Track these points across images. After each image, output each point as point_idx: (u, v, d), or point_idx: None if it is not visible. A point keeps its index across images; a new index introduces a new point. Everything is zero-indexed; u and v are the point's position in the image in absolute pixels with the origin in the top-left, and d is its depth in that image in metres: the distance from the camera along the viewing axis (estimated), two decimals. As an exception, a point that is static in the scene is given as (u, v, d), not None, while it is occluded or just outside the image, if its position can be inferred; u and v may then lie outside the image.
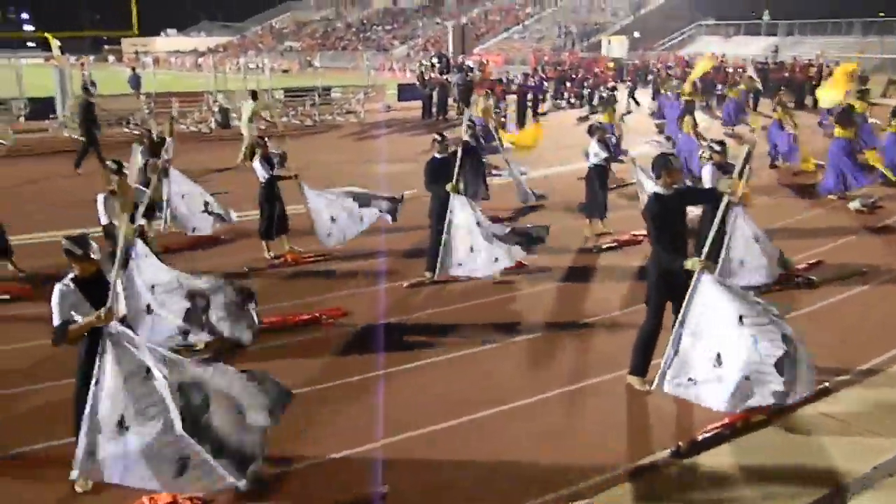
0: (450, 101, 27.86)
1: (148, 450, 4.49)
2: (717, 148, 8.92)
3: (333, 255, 10.06)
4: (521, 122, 23.26)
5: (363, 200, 9.73)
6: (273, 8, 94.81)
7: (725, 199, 5.95)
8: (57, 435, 5.40)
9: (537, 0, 67.92)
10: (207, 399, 4.67)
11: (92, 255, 4.80)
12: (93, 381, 4.52)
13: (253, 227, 10.35)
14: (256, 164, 10.02)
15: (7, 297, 8.63)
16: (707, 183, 8.66)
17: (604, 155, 10.80)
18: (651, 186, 10.06)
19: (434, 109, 27.30)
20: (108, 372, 4.53)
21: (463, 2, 74.31)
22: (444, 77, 28.77)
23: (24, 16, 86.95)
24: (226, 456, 4.62)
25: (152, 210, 10.98)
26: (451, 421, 5.84)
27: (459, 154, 8.89)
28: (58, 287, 4.74)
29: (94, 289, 4.76)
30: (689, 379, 5.56)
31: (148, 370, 4.58)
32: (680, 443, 5.40)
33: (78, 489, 4.87)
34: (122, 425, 4.50)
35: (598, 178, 10.91)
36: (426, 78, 28.69)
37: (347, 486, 5.04)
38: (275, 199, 9.95)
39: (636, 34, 54.45)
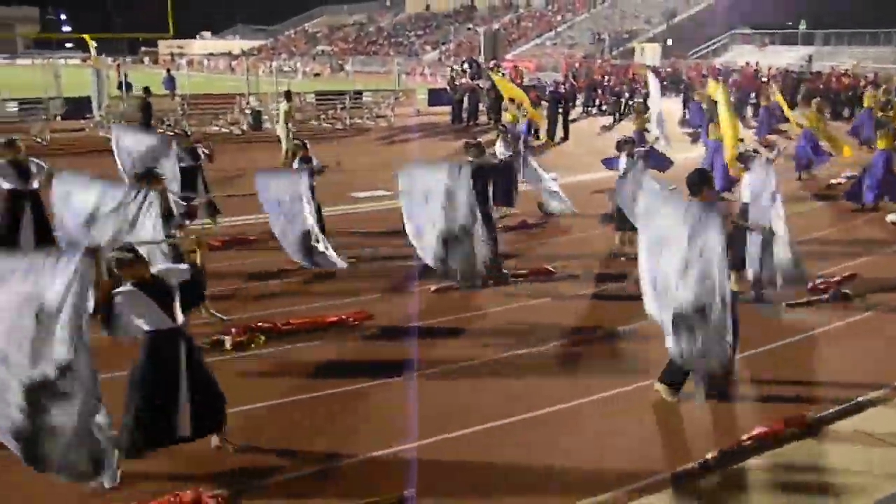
0: (481, 106, 27.82)
1: None
2: (753, 155, 8.83)
3: (361, 259, 10.14)
4: (551, 129, 23.15)
5: (316, 252, 9.31)
6: (307, 12, 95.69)
7: None
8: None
9: (570, 6, 67.79)
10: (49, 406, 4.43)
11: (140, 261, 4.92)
12: None
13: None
14: (296, 166, 10.12)
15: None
16: (744, 190, 8.56)
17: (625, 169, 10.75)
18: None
19: (465, 115, 27.29)
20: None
21: (495, 8, 74.39)
22: (476, 82, 28.75)
23: (63, 17, 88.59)
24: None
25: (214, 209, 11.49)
26: (480, 426, 5.82)
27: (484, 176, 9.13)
28: (119, 293, 4.82)
29: (155, 292, 4.90)
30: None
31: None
32: (709, 454, 5.33)
33: None
34: None
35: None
36: (457, 83, 28.70)
37: (375, 488, 5.03)
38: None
39: (669, 42, 54.09)
